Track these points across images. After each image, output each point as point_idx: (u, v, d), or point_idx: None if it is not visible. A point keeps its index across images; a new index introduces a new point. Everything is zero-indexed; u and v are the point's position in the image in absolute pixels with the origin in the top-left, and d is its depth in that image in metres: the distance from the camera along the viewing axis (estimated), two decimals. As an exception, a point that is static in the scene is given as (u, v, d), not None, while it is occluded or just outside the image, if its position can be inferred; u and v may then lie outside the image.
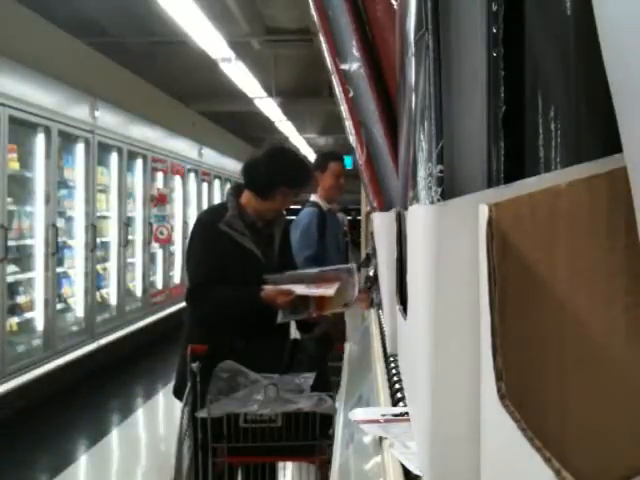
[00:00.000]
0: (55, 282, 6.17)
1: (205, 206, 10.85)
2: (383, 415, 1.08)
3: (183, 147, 10.39)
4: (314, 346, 2.69)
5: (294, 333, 2.94)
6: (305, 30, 8.04)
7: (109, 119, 7.26)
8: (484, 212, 0.54)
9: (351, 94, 1.54)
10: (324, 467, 2.42)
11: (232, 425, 2.35)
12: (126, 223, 7.94)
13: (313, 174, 3.01)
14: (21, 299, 5.85)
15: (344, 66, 1.54)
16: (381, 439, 1.00)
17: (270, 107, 11.40)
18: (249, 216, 2.74)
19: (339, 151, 4.59)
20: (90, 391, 6.16)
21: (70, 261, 6.68)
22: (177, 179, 10.18)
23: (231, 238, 2.67)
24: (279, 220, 2.86)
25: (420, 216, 0.78)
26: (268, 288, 2.61)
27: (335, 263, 4.10)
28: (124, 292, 7.87)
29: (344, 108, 1.68)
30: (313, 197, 4.20)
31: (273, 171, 2.72)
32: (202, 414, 2.36)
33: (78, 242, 6.79)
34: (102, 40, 8.01)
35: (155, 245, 9.03)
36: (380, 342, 1.80)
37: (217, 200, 11.65)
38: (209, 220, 2.77)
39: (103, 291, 7.46)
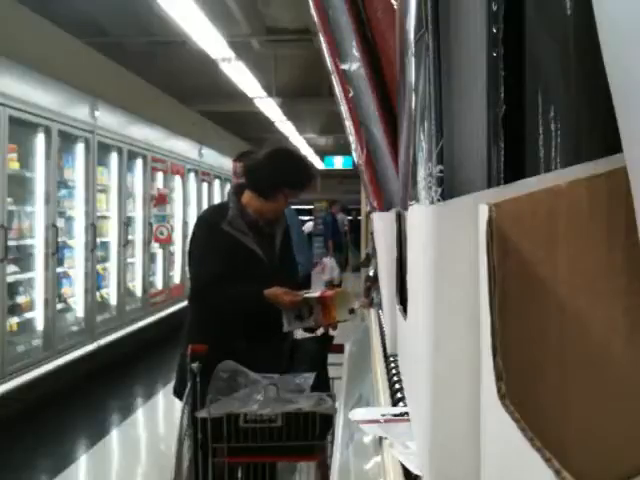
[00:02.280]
0: (55, 282, 6.17)
1: (205, 206, 10.85)
2: (383, 415, 1.08)
3: (183, 147, 10.38)
4: (314, 346, 2.69)
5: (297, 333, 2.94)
6: (305, 30, 8.05)
7: (109, 119, 7.26)
8: (484, 212, 0.54)
9: (351, 94, 1.54)
10: (324, 467, 2.42)
11: (232, 425, 2.35)
12: (126, 223, 7.94)
13: (315, 174, 2.99)
14: (21, 299, 5.85)
15: (344, 66, 1.54)
16: (381, 439, 1.00)
17: (270, 107, 11.41)
18: (250, 216, 2.74)
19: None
20: (90, 391, 6.16)
21: (70, 261, 6.68)
22: (177, 179, 10.18)
23: (234, 238, 2.68)
24: (280, 219, 2.87)
25: (420, 216, 0.78)
26: (273, 288, 2.62)
27: None
28: (124, 292, 7.87)
29: (344, 108, 1.69)
30: None
31: (275, 172, 2.73)
32: (202, 414, 2.36)
33: (78, 242, 6.79)
34: (102, 40, 8.03)
35: (155, 245, 9.03)
36: (380, 342, 1.80)
37: (217, 200, 11.65)
38: (211, 220, 2.79)
39: (103, 291, 7.46)
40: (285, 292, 2.63)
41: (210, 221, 2.80)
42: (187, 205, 10.56)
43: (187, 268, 3.07)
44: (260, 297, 2.62)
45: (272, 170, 2.74)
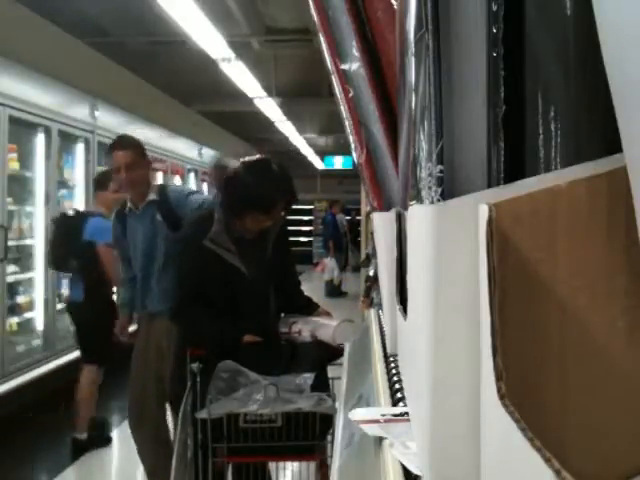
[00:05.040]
0: (55, 282, 6.17)
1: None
2: (383, 415, 1.07)
3: (183, 147, 10.38)
4: (314, 348, 2.68)
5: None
6: (305, 30, 8.05)
7: (109, 119, 7.26)
8: (484, 212, 0.54)
9: (351, 94, 1.54)
10: (324, 467, 2.42)
11: (232, 425, 2.35)
12: (126, 223, 7.93)
13: (285, 193, 2.62)
14: (21, 299, 5.85)
15: (344, 66, 1.54)
16: (381, 439, 1.00)
17: (270, 107, 11.41)
18: (236, 229, 2.63)
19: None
20: (90, 391, 6.15)
21: (70, 261, 6.68)
22: (177, 179, 10.18)
23: (215, 255, 2.59)
24: (273, 227, 2.72)
25: (420, 216, 0.78)
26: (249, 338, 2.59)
27: (150, 279, 3.41)
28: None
29: (344, 108, 1.68)
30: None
31: (241, 193, 2.57)
32: (202, 415, 2.36)
33: (78, 242, 6.78)
34: (102, 40, 8.02)
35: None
36: (380, 342, 1.80)
37: (217, 200, 11.62)
38: (194, 235, 2.67)
39: (103, 291, 7.45)
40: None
41: (193, 236, 2.68)
42: (187, 205, 10.53)
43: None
44: (236, 339, 2.58)
45: (238, 190, 2.58)
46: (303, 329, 2.63)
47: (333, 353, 2.58)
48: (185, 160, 10.45)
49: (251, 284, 2.64)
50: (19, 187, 5.79)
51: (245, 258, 2.64)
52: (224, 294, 2.63)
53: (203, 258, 2.60)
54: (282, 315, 2.73)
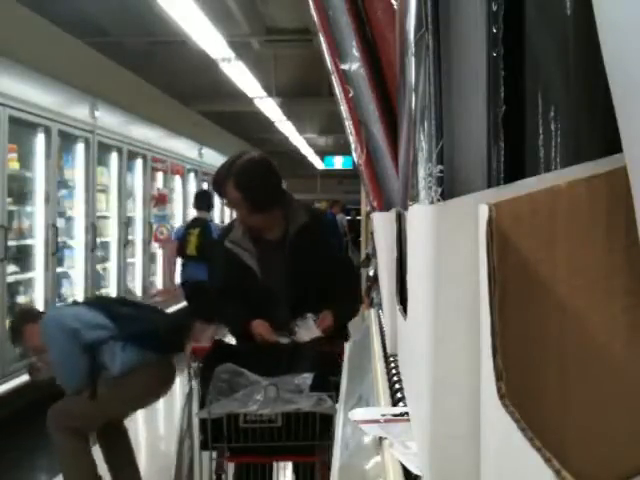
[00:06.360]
0: (55, 282, 6.17)
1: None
2: (383, 415, 1.07)
3: (183, 147, 10.38)
4: (314, 351, 2.66)
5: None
6: (305, 30, 8.06)
7: (109, 119, 7.26)
8: (484, 212, 0.54)
9: (351, 94, 1.54)
10: (324, 467, 2.42)
11: (232, 425, 2.35)
12: (126, 223, 7.94)
13: (224, 175, 2.72)
14: (21, 299, 5.85)
15: (344, 66, 1.54)
16: (381, 439, 1.00)
17: (270, 107, 11.42)
18: (254, 231, 2.74)
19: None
20: (90, 391, 6.15)
21: (70, 261, 6.69)
22: (177, 179, 10.19)
23: (233, 254, 2.73)
24: (290, 228, 2.74)
25: (420, 216, 0.78)
26: (258, 324, 2.64)
27: None
28: (124, 292, 7.88)
29: (344, 108, 1.68)
30: None
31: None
32: (202, 415, 2.36)
33: (78, 242, 6.79)
34: (102, 40, 8.03)
35: (155, 245, 9.03)
36: (380, 342, 1.80)
37: (217, 200, 11.64)
38: (220, 236, 3.00)
39: (103, 291, 7.46)
40: (263, 329, 2.63)
41: (219, 237, 2.99)
42: (187, 205, 10.56)
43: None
44: (243, 324, 2.67)
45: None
46: (304, 338, 2.66)
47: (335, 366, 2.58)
48: (185, 160, 10.45)
49: (263, 284, 2.67)
50: (19, 187, 5.79)
51: (262, 259, 2.71)
52: (237, 292, 2.73)
53: (223, 257, 2.78)
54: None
